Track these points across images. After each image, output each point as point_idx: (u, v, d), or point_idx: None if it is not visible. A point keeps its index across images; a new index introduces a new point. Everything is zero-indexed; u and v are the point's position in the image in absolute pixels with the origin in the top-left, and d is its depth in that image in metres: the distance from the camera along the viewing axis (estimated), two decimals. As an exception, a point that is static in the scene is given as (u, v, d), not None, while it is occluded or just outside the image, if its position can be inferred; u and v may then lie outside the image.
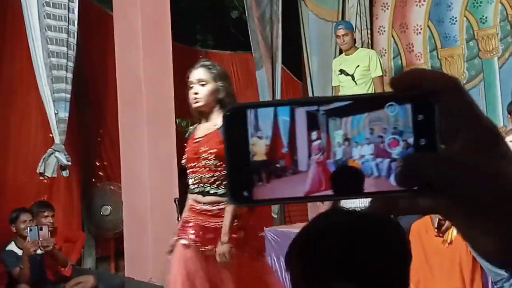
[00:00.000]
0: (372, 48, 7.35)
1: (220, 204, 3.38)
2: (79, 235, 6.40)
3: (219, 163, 3.34)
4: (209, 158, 3.35)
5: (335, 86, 6.74)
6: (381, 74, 6.52)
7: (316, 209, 7.08)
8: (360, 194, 0.56)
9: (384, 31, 7.44)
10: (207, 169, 3.38)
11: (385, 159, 0.56)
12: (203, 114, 3.51)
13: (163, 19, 5.99)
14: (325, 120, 0.57)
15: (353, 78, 6.47)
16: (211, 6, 8.65)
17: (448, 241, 5.07)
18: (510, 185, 0.52)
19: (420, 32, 7.13)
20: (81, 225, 6.86)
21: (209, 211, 3.41)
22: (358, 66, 6.45)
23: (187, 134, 3.65)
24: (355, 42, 6.70)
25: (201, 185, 3.42)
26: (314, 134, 0.57)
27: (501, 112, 6.48)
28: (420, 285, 4.66)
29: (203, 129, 3.48)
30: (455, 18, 6.86)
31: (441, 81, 0.54)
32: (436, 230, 5.10)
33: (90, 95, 7.02)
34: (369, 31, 7.42)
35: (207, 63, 3.61)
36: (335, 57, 7.23)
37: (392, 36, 7.36)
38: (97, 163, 7.04)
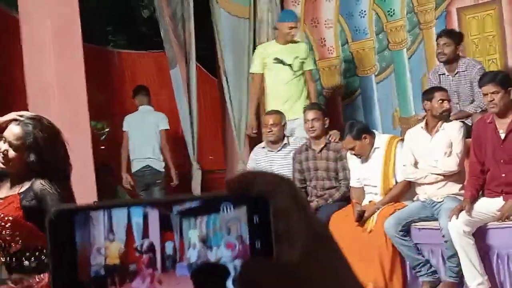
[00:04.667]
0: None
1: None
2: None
3: (16, 234, 2.88)
4: (6, 226, 2.87)
5: (255, 74, 6.62)
6: (313, 68, 6.63)
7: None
8: None
9: (296, 26, 7.51)
10: (3, 238, 2.90)
11: (221, 262, 0.55)
12: (8, 173, 3.01)
13: (72, 20, 5.85)
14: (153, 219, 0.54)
15: (291, 69, 6.42)
16: (122, 6, 8.52)
17: (368, 230, 5.19)
18: None
19: (331, 27, 7.24)
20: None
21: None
22: (297, 57, 6.44)
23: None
24: None
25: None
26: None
27: (412, 102, 6.66)
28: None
29: (4, 190, 2.99)
30: (364, 11, 7.01)
31: (275, 183, 0.54)
32: (356, 221, 5.21)
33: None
34: (281, 27, 7.47)
35: (23, 118, 2.92)
36: (249, 54, 7.25)
37: (304, 31, 7.44)
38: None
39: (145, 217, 0.54)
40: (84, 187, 5.53)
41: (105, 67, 7.62)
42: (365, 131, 5.43)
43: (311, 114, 5.74)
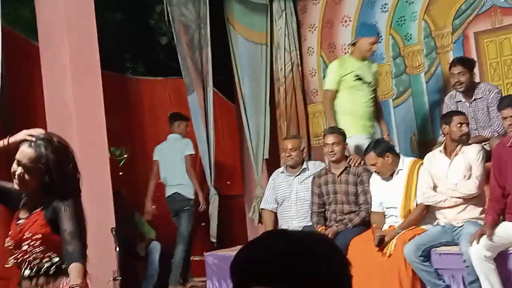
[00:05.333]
0: (302, 68, 7.45)
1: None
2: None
3: (47, 250, 2.91)
4: (35, 245, 2.90)
5: (330, 90, 6.08)
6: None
7: (256, 231, 7.06)
8: None
9: (313, 51, 7.55)
10: (34, 257, 2.93)
11: None
12: (25, 194, 3.04)
13: (90, 48, 5.91)
14: None
15: (369, 86, 6.12)
16: (140, 33, 8.61)
17: (388, 254, 5.14)
18: None
19: (348, 52, 7.25)
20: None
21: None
22: (373, 75, 6.20)
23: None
24: None
25: (29, 272, 2.97)
26: None
27: (430, 126, 6.63)
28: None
29: (27, 208, 3.02)
30: (381, 36, 7.02)
31: None
32: (377, 245, 5.16)
33: (17, 128, 6.82)
34: (298, 52, 7.51)
35: (34, 139, 2.95)
36: (266, 79, 7.27)
37: (321, 56, 7.46)
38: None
39: None
40: (102, 212, 5.55)
41: (124, 94, 7.68)
42: (389, 150, 5.42)
43: (331, 138, 5.71)
